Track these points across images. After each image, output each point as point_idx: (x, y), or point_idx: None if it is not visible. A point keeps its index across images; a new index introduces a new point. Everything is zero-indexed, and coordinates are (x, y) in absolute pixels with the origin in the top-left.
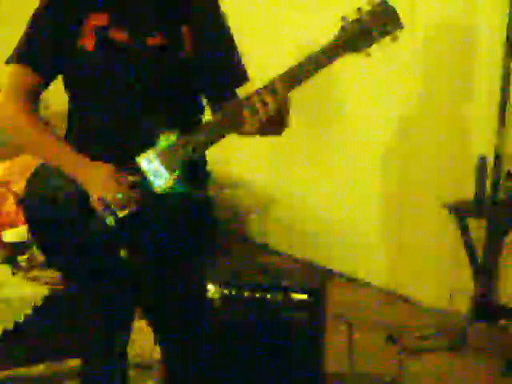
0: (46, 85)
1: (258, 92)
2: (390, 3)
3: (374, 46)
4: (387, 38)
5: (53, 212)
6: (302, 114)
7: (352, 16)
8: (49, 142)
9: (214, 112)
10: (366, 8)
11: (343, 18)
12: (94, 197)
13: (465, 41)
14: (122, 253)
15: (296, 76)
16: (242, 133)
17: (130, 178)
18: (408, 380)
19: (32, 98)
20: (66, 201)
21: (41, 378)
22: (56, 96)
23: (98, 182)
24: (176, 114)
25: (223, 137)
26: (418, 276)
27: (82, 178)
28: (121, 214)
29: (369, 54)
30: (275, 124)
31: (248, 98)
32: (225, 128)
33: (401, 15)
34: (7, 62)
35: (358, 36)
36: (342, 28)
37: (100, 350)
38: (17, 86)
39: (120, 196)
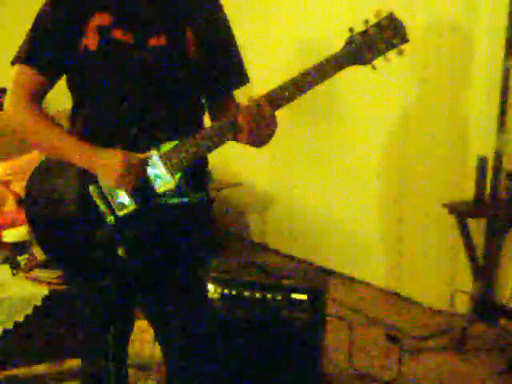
0: (51, 84)
1: (258, 100)
2: (397, 16)
3: (379, 58)
4: (393, 52)
5: (53, 211)
6: (302, 114)
7: (359, 28)
8: (59, 138)
9: (210, 112)
10: (373, 20)
11: (350, 30)
12: (110, 182)
13: (465, 41)
14: (120, 251)
15: (301, 86)
16: (238, 140)
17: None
18: (408, 380)
19: (38, 97)
20: (66, 200)
21: (41, 378)
22: (56, 96)
23: (116, 168)
24: (178, 114)
25: (226, 141)
26: (418, 276)
27: (94, 164)
28: (121, 213)
29: (374, 67)
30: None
31: (248, 105)
32: (226, 134)
33: (400, 15)
34: (12, 63)
35: (364, 48)
36: (349, 40)
37: (100, 349)
38: (22, 86)
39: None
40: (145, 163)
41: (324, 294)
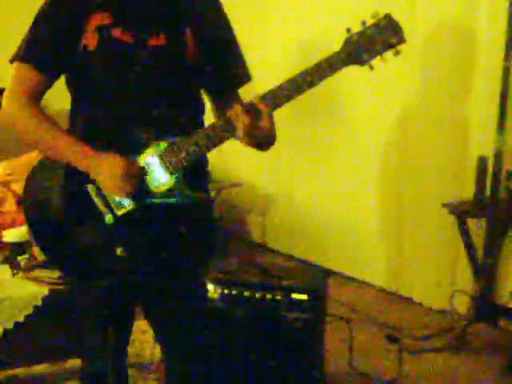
0: (50, 84)
1: (256, 100)
2: (394, 17)
3: (377, 58)
4: (390, 52)
5: (51, 211)
6: (302, 115)
7: (356, 28)
8: (57, 138)
9: (216, 110)
10: (371, 21)
11: (347, 30)
12: (110, 187)
13: (465, 41)
14: (119, 251)
15: (299, 86)
16: (239, 140)
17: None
18: (408, 380)
19: (36, 96)
20: (63, 199)
21: (41, 378)
22: (56, 95)
23: (113, 172)
24: (178, 114)
25: (225, 140)
26: (418, 276)
27: (94, 169)
28: (120, 213)
29: (371, 67)
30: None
31: (249, 104)
32: (225, 133)
33: (401, 15)
34: (11, 61)
35: (361, 49)
36: (346, 40)
37: (100, 349)
38: (21, 84)
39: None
40: (143, 172)
41: (324, 294)
